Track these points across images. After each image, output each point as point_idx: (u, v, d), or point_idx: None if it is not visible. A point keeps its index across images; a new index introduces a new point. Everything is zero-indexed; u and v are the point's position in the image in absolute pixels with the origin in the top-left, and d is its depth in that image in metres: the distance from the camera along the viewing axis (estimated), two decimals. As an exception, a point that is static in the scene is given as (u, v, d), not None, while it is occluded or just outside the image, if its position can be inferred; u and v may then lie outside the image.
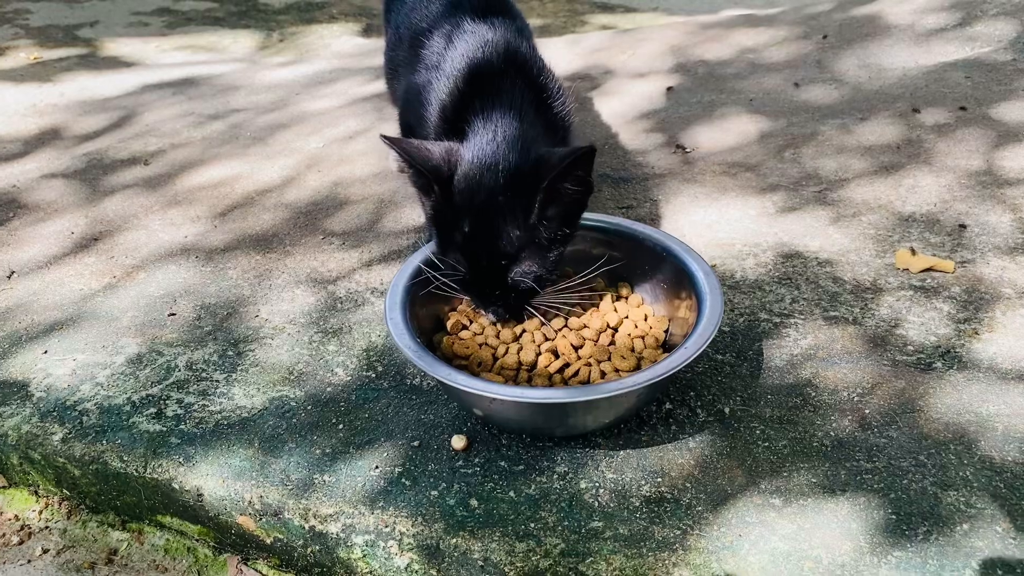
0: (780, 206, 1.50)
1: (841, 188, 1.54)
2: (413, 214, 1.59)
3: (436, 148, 1.08)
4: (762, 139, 1.75)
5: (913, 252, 1.32)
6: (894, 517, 0.91)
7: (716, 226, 1.46)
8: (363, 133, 1.99)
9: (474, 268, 1.08)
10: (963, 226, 1.39)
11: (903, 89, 1.88)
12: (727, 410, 1.08)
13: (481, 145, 1.08)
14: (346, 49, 2.84)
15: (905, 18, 2.16)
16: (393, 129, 1.85)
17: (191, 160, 1.92)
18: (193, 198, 1.73)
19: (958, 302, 1.23)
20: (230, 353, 1.26)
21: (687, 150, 1.73)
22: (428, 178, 1.07)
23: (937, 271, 1.29)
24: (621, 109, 1.95)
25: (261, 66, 2.65)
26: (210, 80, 2.50)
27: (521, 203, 1.05)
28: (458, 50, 1.22)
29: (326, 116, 2.12)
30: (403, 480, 1.02)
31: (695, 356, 0.97)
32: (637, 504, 0.96)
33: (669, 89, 2.00)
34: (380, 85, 2.22)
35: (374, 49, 2.75)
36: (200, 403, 1.17)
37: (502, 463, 1.03)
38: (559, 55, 2.37)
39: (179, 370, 1.24)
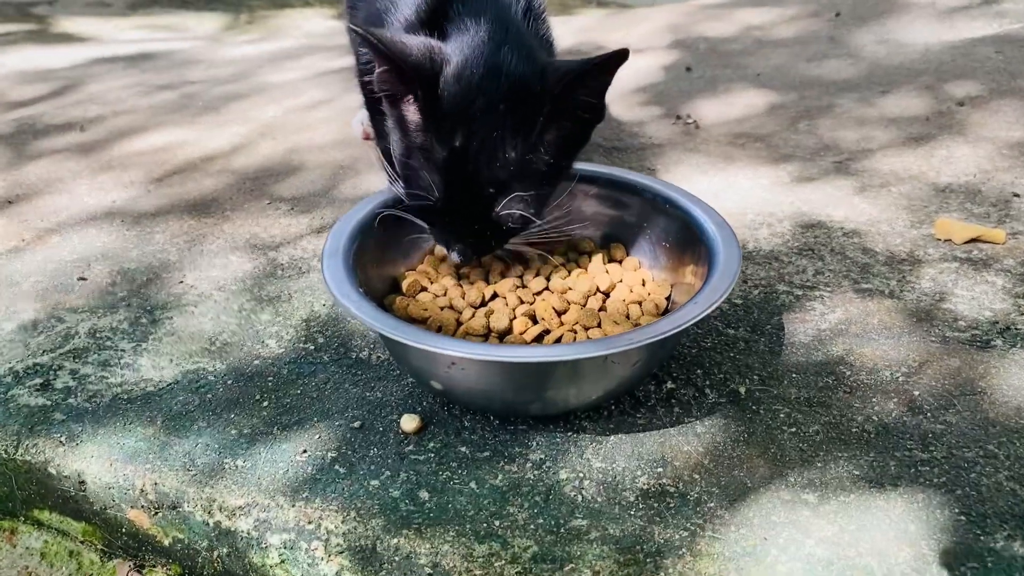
0: (796, 176, 1.31)
1: (865, 159, 1.35)
2: (375, 180, 1.38)
3: (414, 42, 0.87)
4: (772, 111, 1.56)
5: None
6: (963, 518, 0.71)
7: (723, 195, 1.26)
8: (326, 103, 1.79)
9: (452, 193, 0.87)
10: (1017, 195, 1.20)
11: (927, 64, 1.70)
12: (742, 390, 0.87)
13: (473, 45, 0.88)
14: (317, 30, 2.65)
15: (925, -5, 2.00)
16: (359, 97, 1.66)
17: (133, 127, 1.71)
18: (129, 163, 1.53)
19: (1014, 275, 1.03)
20: (143, 321, 1.05)
21: (689, 121, 1.54)
22: (408, 75, 0.85)
23: (985, 242, 1.09)
24: (614, 83, 1.76)
25: (224, 44, 2.46)
26: (168, 55, 2.30)
27: (523, 117, 0.86)
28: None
29: (287, 87, 1.93)
30: (336, 467, 0.80)
31: (709, 312, 0.77)
32: (632, 499, 0.75)
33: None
34: (350, 60, 2.03)
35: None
36: (98, 374, 0.95)
37: (462, 448, 0.82)
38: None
39: (79, 337, 1.02)
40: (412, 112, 0.89)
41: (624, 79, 1.80)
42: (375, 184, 1.37)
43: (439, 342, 0.74)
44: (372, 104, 1.16)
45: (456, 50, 0.88)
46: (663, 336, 0.74)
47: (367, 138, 1.54)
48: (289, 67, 2.10)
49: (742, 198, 1.25)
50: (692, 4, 2.34)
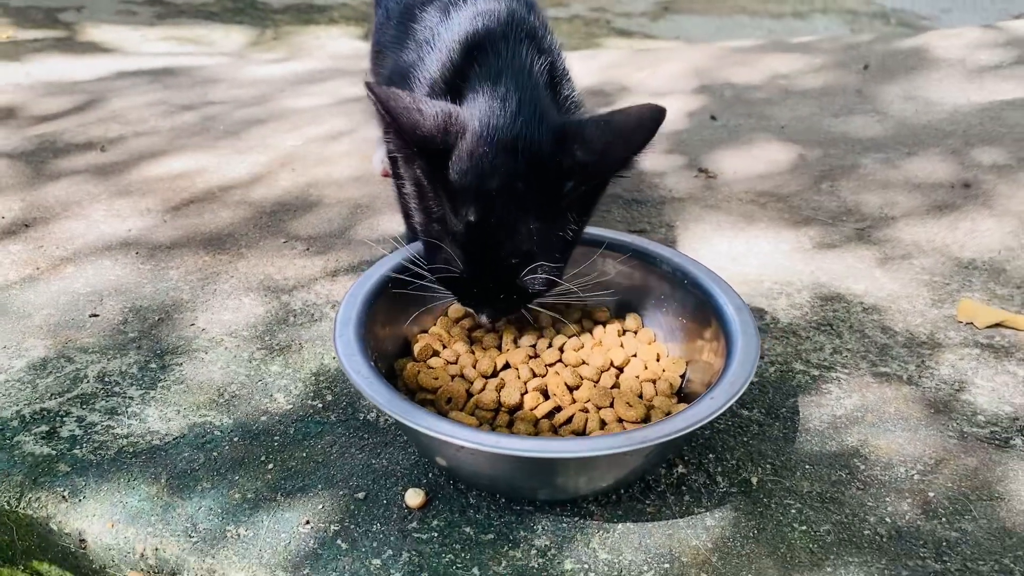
0: (817, 242, 1.29)
1: (887, 226, 1.33)
2: (392, 222, 1.37)
3: (430, 110, 0.85)
4: (795, 168, 1.55)
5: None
6: (976, 641, 0.69)
7: (743, 259, 1.25)
8: (348, 134, 1.78)
9: (474, 265, 0.86)
10: (1041, 279, 1.18)
11: (954, 126, 1.69)
12: (754, 480, 0.86)
13: (491, 114, 0.86)
14: (342, 51, 2.65)
15: (955, 52, 1.98)
16: (378, 132, 1.65)
17: (153, 149, 1.71)
18: (147, 189, 1.52)
19: (1036, 366, 1.01)
20: (152, 365, 1.04)
21: (710, 174, 1.53)
22: (413, 148, 0.84)
23: (1008, 327, 1.08)
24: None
25: (248, 61, 2.46)
26: (190, 71, 2.30)
27: (545, 193, 0.85)
28: (455, 21, 1.01)
29: (309, 114, 1.92)
30: (339, 542, 0.79)
31: (723, 410, 0.76)
32: (637, 598, 0.74)
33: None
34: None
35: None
36: (104, 423, 0.95)
37: (467, 529, 0.81)
38: (573, 68, 2.18)
39: (87, 381, 1.01)
40: (425, 182, 0.88)
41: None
42: (392, 227, 1.36)
43: (449, 429, 0.73)
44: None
45: (473, 118, 0.86)
46: (678, 435, 0.72)
47: (387, 175, 1.54)
48: (312, 91, 2.10)
49: (761, 263, 1.24)
50: (719, 46, 2.32)
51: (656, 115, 0.84)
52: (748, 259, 1.25)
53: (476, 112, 0.87)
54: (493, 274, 0.87)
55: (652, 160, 1.61)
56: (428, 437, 0.74)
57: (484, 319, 0.93)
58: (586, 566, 0.76)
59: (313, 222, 1.39)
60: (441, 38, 1.01)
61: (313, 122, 1.86)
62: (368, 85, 0.83)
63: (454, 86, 0.94)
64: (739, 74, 2.07)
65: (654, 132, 0.84)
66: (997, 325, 1.08)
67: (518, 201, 0.84)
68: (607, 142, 0.84)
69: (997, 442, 0.90)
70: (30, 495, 0.86)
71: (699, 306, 0.94)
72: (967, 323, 1.09)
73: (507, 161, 0.84)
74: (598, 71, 2.17)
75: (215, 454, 0.90)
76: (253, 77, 2.25)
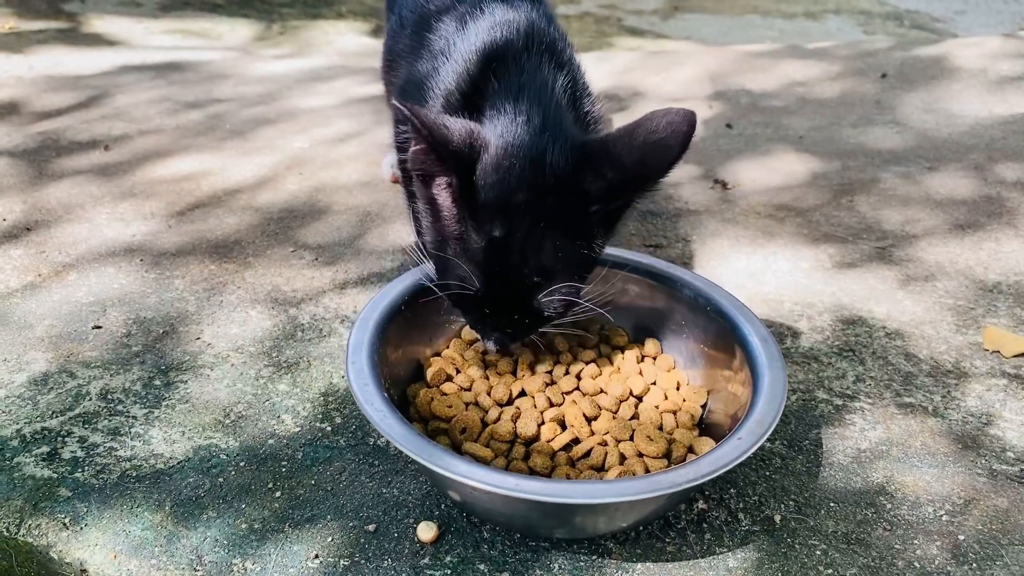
0: (837, 260, 1.26)
1: (908, 245, 1.30)
2: (403, 232, 1.35)
3: (455, 126, 0.82)
4: (813, 181, 1.51)
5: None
6: None
7: (761, 277, 1.22)
8: (356, 136, 1.75)
9: (492, 284, 0.83)
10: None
11: (976, 139, 1.65)
12: (777, 518, 0.83)
13: (515, 129, 0.83)
14: (350, 47, 2.61)
15: (976, 62, 1.94)
16: (387, 135, 1.62)
17: (158, 149, 1.68)
18: (151, 192, 1.49)
19: (1066, 399, 0.99)
20: (157, 383, 1.01)
21: (727, 186, 1.50)
22: (446, 161, 0.81)
23: (1035, 357, 1.05)
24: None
25: (254, 57, 2.42)
26: (196, 66, 2.26)
27: (572, 210, 0.81)
28: (471, 32, 0.98)
29: (317, 114, 1.89)
30: (349, 578, 0.77)
31: (750, 452, 0.73)
32: (658, 646, 0.71)
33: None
34: (380, 88, 1.99)
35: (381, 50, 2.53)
36: (107, 445, 0.92)
37: (481, 566, 0.78)
38: (586, 72, 2.15)
39: (90, 399, 0.99)
40: (445, 197, 0.85)
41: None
42: (401, 235, 1.33)
43: (466, 470, 0.70)
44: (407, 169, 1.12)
45: (495, 135, 0.84)
46: (704, 480, 0.70)
47: (396, 181, 1.51)
48: (320, 90, 2.07)
49: (780, 282, 1.21)
50: (734, 50, 2.29)
51: (688, 124, 0.80)
52: (766, 276, 1.22)
53: (499, 129, 0.84)
54: (511, 293, 0.84)
55: (667, 170, 1.57)
56: (443, 477, 0.71)
57: (491, 345, 0.90)
58: (605, 609, 0.74)
59: (322, 230, 1.36)
60: (457, 49, 0.98)
61: (320, 123, 1.83)
62: (400, 105, 0.79)
63: (471, 99, 0.91)
64: (755, 80, 2.03)
65: (687, 144, 0.80)
66: (1024, 354, 1.05)
67: (544, 217, 0.81)
68: (637, 159, 0.80)
69: (1028, 481, 0.87)
70: (30, 521, 0.84)
71: (722, 334, 0.91)
72: (993, 351, 1.06)
73: (534, 176, 0.81)
74: (611, 75, 2.14)
75: (221, 480, 0.88)
76: (260, 74, 2.21)
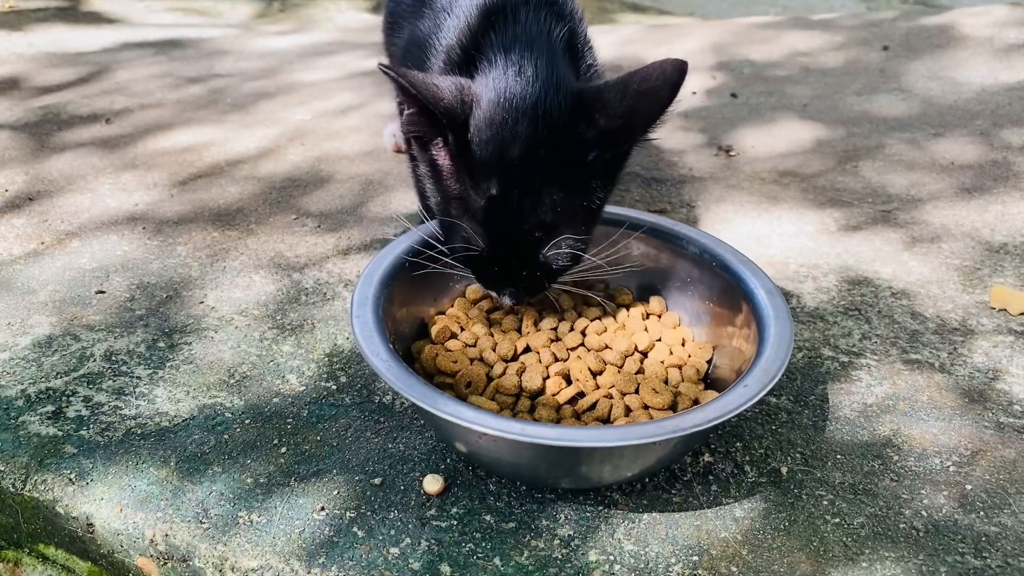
0: (842, 224, 1.26)
1: (914, 209, 1.29)
2: (405, 199, 1.34)
3: (444, 83, 0.81)
4: (818, 147, 1.51)
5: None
6: (1020, 642, 0.66)
7: (766, 240, 1.21)
8: (357, 108, 1.74)
9: (496, 242, 0.82)
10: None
11: (982, 106, 1.64)
12: (784, 470, 0.83)
13: (506, 81, 0.82)
14: (351, 23, 2.60)
15: (982, 31, 1.93)
16: (391, 106, 1.62)
17: (159, 122, 1.67)
18: (153, 163, 1.49)
19: (1073, 355, 0.98)
20: (161, 344, 1.01)
21: (731, 152, 1.49)
22: (438, 121, 0.81)
23: (1042, 314, 1.04)
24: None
25: (255, 33, 2.41)
26: (197, 43, 2.25)
27: (566, 156, 0.81)
28: (474, -14, 0.97)
29: (318, 88, 1.88)
30: (355, 529, 0.76)
31: (757, 399, 0.73)
32: (665, 592, 0.71)
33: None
34: (382, 59, 1.98)
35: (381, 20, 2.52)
36: (112, 404, 0.92)
37: (487, 517, 0.78)
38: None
39: (94, 360, 0.99)
40: (443, 158, 0.84)
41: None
42: (404, 203, 1.33)
43: (474, 416, 0.70)
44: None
45: (487, 88, 0.83)
46: (711, 424, 0.69)
47: (398, 151, 1.50)
48: (321, 64, 2.06)
49: (786, 245, 1.20)
50: (738, 22, 2.27)
51: (678, 69, 0.79)
52: (772, 240, 1.21)
53: (491, 80, 0.83)
54: (516, 250, 0.83)
55: (671, 136, 1.57)
56: (450, 423, 0.71)
57: (507, 300, 0.89)
58: (611, 557, 0.74)
59: (324, 198, 1.36)
60: (459, 4, 0.97)
61: (322, 96, 1.82)
62: (383, 67, 0.79)
63: (470, 55, 0.91)
64: (759, 51, 2.02)
65: (678, 88, 0.79)
66: (1031, 312, 1.05)
67: (540, 170, 0.80)
68: (629, 106, 0.80)
69: (1035, 433, 0.87)
70: (36, 477, 0.84)
71: (727, 290, 0.90)
72: (1000, 310, 1.06)
73: (527, 128, 0.80)
74: (615, 46, 2.13)
75: (226, 437, 0.87)
76: (261, 50, 2.20)
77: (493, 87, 0.82)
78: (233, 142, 1.58)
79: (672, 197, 1.34)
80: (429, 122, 0.82)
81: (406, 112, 0.82)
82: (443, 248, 0.88)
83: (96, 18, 2.53)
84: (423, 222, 0.97)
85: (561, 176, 0.81)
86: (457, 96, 0.81)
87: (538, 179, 0.80)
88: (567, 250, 0.83)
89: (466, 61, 0.90)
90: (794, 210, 1.29)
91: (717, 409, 0.71)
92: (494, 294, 0.90)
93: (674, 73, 0.79)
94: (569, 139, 0.81)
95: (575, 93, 0.83)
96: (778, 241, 1.21)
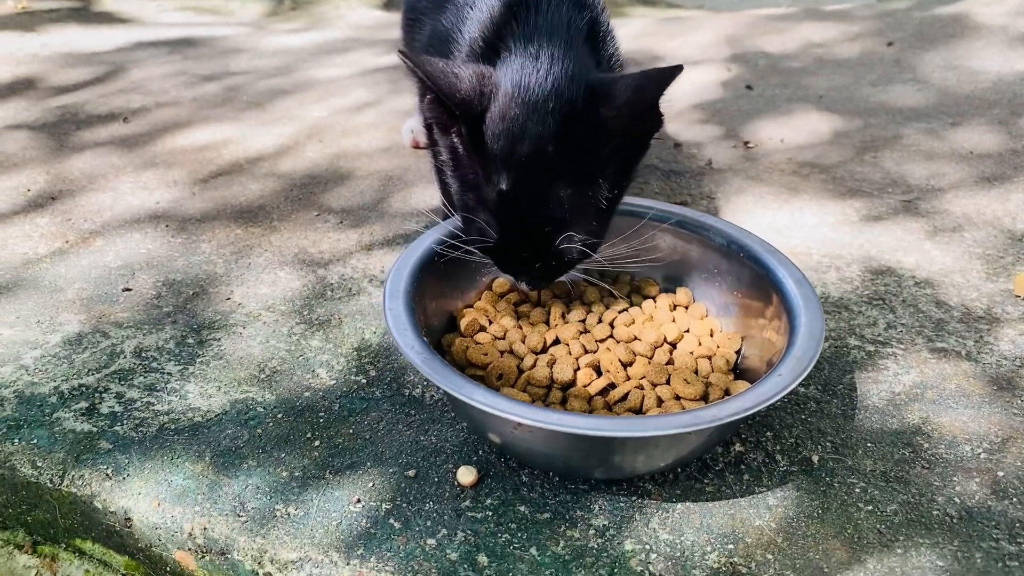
0: (863, 214, 1.26)
1: (935, 198, 1.30)
2: (425, 195, 1.35)
3: (465, 72, 0.82)
4: (836, 138, 1.51)
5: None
6: (1057, 626, 0.67)
7: (787, 231, 1.22)
8: (373, 105, 1.75)
9: (508, 233, 0.83)
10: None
11: (999, 95, 1.64)
12: (815, 458, 0.83)
13: (522, 73, 0.83)
14: (363, 21, 2.60)
15: (997, 19, 1.92)
16: (407, 102, 1.62)
17: (177, 121, 1.68)
18: (173, 161, 1.50)
19: (1099, 342, 0.98)
20: (190, 341, 1.02)
21: (749, 145, 1.49)
22: (453, 113, 0.82)
23: (1067, 302, 1.04)
24: (670, 97, 1.71)
25: (268, 31, 2.42)
26: (210, 42, 2.26)
27: (576, 151, 0.81)
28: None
29: (334, 85, 1.89)
30: (391, 521, 0.77)
31: (791, 388, 0.73)
32: (702, 579, 0.71)
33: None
34: (396, 58, 1.99)
35: (394, 22, 2.52)
36: (144, 400, 0.93)
37: (522, 508, 0.78)
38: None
39: (124, 356, 0.99)
40: (461, 146, 0.85)
41: (683, 94, 1.75)
42: (426, 198, 1.33)
43: (509, 407, 0.70)
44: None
45: (506, 77, 0.83)
46: (747, 414, 0.70)
47: (417, 147, 1.51)
48: (335, 62, 2.06)
49: (807, 236, 1.20)
50: (750, 14, 2.27)
51: (674, 69, 0.81)
52: (793, 231, 1.22)
53: (508, 72, 0.84)
54: (527, 242, 0.84)
55: (689, 129, 1.57)
56: (485, 414, 0.71)
57: (523, 286, 0.90)
58: (647, 546, 0.74)
59: (345, 195, 1.36)
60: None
61: (337, 93, 1.83)
62: (402, 53, 0.81)
63: (493, 45, 0.91)
64: (772, 43, 2.02)
65: (670, 81, 0.81)
66: (1056, 299, 1.05)
67: (549, 166, 0.81)
68: (627, 97, 0.81)
69: (1064, 420, 0.87)
70: (73, 472, 0.84)
71: (756, 280, 0.91)
72: (1025, 297, 1.06)
73: (537, 124, 0.81)
74: (628, 39, 2.12)
75: (259, 431, 0.88)
76: (274, 47, 2.21)
77: (509, 79, 0.83)
78: (251, 140, 1.58)
79: (692, 189, 1.34)
80: (445, 110, 0.82)
81: (427, 98, 0.83)
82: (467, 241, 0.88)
83: (108, 18, 2.54)
84: (446, 216, 0.97)
85: (571, 171, 0.82)
86: (476, 87, 0.82)
87: (546, 175, 0.81)
88: (578, 244, 0.83)
89: (489, 52, 0.91)
90: (814, 201, 1.30)
91: (753, 398, 0.71)
92: (511, 279, 0.91)
93: (669, 70, 0.81)
94: (580, 133, 0.82)
95: (588, 86, 0.83)
96: (799, 232, 1.21)
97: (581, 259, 0.86)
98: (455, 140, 0.86)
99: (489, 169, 0.82)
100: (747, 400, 0.71)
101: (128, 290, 1.12)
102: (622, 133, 0.83)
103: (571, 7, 0.92)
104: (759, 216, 1.26)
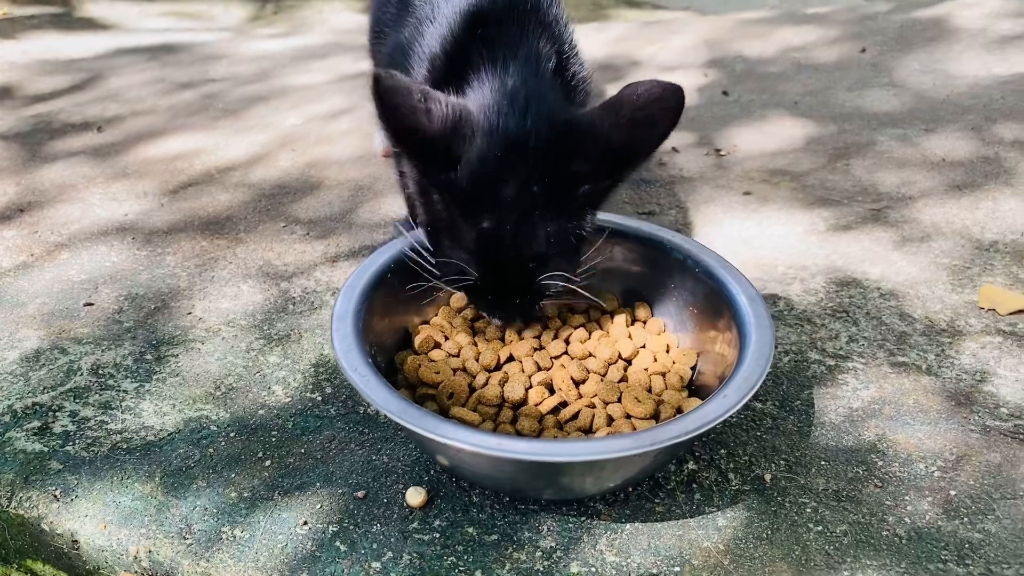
0: (831, 223, 1.25)
1: (904, 207, 1.29)
2: (395, 205, 1.34)
3: (438, 110, 0.77)
4: (809, 145, 1.50)
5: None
6: (1000, 651, 0.66)
7: (755, 242, 1.21)
8: (349, 112, 1.74)
9: (488, 272, 0.81)
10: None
11: (975, 100, 1.63)
12: (768, 477, 0.83)
13: (498, 112, 0.80)
14: (343, 25, 2.59)
15: (976, 23, 1.91)
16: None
17: (151, 129, 1.67)
18: (144, 171, 1.49)
19: (1061, 355, 0.98)
20: (148, 357, 1.01)
21: (720, 152, 1.48)
22: (420, 156, 0.79)
23: (1031, 314, 1.04)
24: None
25: (248, 36, 2.41)
26: (190, 48, 2.25)
27: (560, 191, 0.79)
28: (457, -6, 0.96)
29: (310, 92, 1.88)
30: (337, 543, 0.77)
31: (736, 408, 0.72)
32: (646, 604, 0.71)
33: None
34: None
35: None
36: (98, 418, 0.92)
37: (470, 529, 0.78)
38: (581, 42, 2.12)
39: (81, 374, 0.99)
40: (432, 188, 0.83)
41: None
42: (393, 209, 1.32)
43: (451, 432, 0.70)
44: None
45: (482, 118, 0.80)
46: (689, 436, 0.69)
47: (387, 155, 1.50)
48: (313, 68, 2.06)
49: (775, 246, 1.20)
50: (731, 18, 2.26)
51: (676, 99, 0.77)
52: (761, 242, 1.21)
53: (484, 110, 0.81)
54: (508, 280, 0.82)
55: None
56: (426, 439, 0.71)
57: (497, 322, 0.91)
58: (593, 569, 0.74)
59: (313, 205, 1.36)
60: (441, 11, 0.97)
61: (314, 100, 1.82)
62: (375, 75, 0.75)
63: (455, 63, 0.90)
64: (751, 47, 2.01)
65: (675, 120, 0.77)
66: (1021, 311, 1.04)
67: (533, 206, 0.79)
68: (624, 138, 0.78)
69: (1022, 436, 0.86)
70: (21, 494, 0.84)
71: (710, 295, 0.90)
72: (989, 309, 1.05)
73: (520, 165, 0.78)
74: (607, 44, 2.12)
75: (211, 450, 0.88)
76: (253, 53, 2.20)
77: (487, 117, 0.80)
78: (224, 149, 1.58)
79: (661, 198, 1.33)
80: (403, 150, 0.81)
81: (388, 135, 0.80)
82: (429, 259, 0.87)
83: (90, 24, 2.53)
84: (411, 228, 0.96)
85: (553, 209, 0.80)
86: (450, 128, 0.78)
87: (530, 215, 0.79)
88: (560, 278, 0.82)
89: (450, 70, 0.89)
90: (783, 210, 1.29)
91: (696, 420, 0.71)
92: (487, 315, 0.90)
93: (671, 99, 0.77)
94: (562, 173, 0.79)
95: (566, 124, 0.81)
96: (767, 242, 1.21)
97: (560, 289, 0.85)
98: (425, 179, 0.83)
99: (467, 209, 0.79)
100: (690, 422, 0.70)
101: (90, 304, 1.11)
102: (610, 174, 0.81)
103: (537, 28, 0.90)
104: (728, 226, 1.25)
